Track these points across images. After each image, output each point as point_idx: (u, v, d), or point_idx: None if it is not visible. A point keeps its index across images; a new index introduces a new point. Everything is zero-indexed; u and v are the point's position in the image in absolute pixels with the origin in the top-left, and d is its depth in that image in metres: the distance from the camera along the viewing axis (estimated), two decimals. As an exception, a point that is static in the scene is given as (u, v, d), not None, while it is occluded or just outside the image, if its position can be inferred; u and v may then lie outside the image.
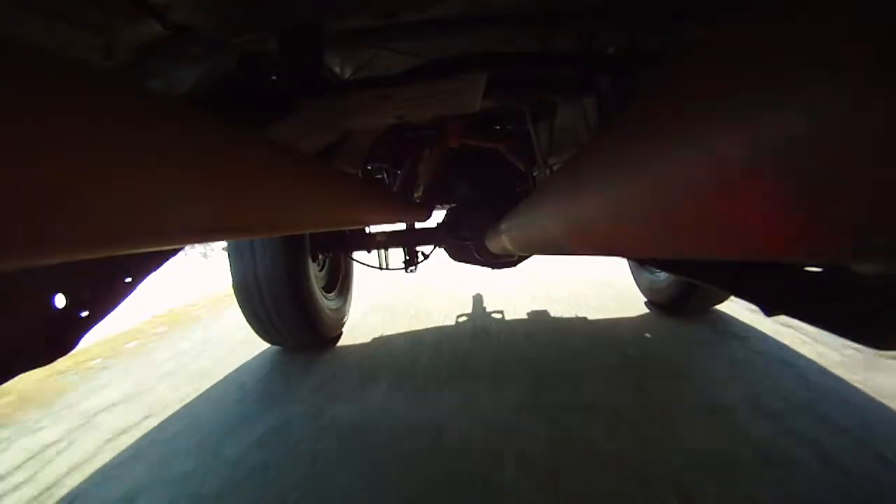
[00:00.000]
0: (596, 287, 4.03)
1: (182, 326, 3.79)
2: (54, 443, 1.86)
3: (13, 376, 0.49)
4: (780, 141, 0.23)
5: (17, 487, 1.56)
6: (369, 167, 2.90)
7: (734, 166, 0.27)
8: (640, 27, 1.20)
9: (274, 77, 1.08)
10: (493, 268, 2.91)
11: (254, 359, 2.81)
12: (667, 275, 2.97)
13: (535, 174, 2.59)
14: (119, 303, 0.64)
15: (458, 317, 3.30)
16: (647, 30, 1.20)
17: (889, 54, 0.17)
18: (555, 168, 2.23)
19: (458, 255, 2.86)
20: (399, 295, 4.19)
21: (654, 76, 1.20)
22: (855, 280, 0.87)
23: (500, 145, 2.61)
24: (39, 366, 0.52)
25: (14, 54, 0.28)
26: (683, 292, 2.86)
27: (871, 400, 1.73)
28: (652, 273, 3.18)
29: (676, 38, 1.19)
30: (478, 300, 3.74)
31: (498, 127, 2.73)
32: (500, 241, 1.74)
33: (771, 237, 0.28)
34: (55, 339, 0.53)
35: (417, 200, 2.77)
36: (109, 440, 1.86)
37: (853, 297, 0.86)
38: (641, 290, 3.40)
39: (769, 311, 0.99)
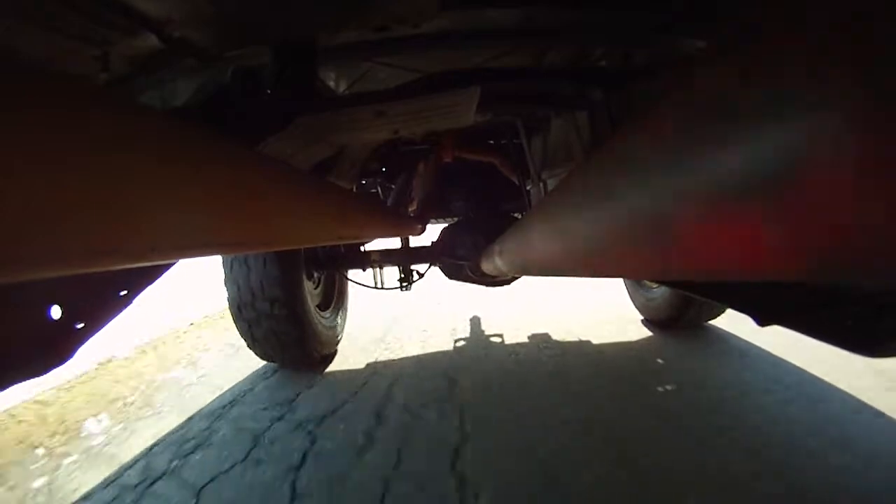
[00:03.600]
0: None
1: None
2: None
3: (10, 385, 0.49)
4: (777, 158, 0.23)
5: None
6: (364, 182, 2.90)
7: (730, 185, 0.27)
8: (633, 42, 1.22)
9: (269, 91, 1.08)
10: (487, 286, 2.92)
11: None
12: (661, 291, 2.99)
13: (529, 189, 2.61)
14: (115, 316, 0.64)
15: (457, 341, 3.25)
16: (641, 44, 1.22)
17: (888, 65, 0.17)
18: (548, 182, 2.24)
19: (454, 274, 2.87)
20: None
21: (647, 91, 1.21)
22: (845, 288, 0.88)
23: (495, 159, 2.63)
24: (36, 376, 0.51)
25: (13, 72, 0.28)
26: (679, 309, 2.89)
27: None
28: (647, 290, 3.20)
29: (669, 52, 1.21)
30: (475, 323, 3.69)
31: (492, 141, 2.74)
32: (495, 262, 1.74)
33: (772, 257, 0.27)
34: (51, 351, 0.52)
35: (412, 215, 2.78)
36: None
37: (844, 305, 0.87)
38: (637, 308, 3.42)
39: (762, 321, 0.99)
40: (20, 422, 2.31)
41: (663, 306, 2.99)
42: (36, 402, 2.50)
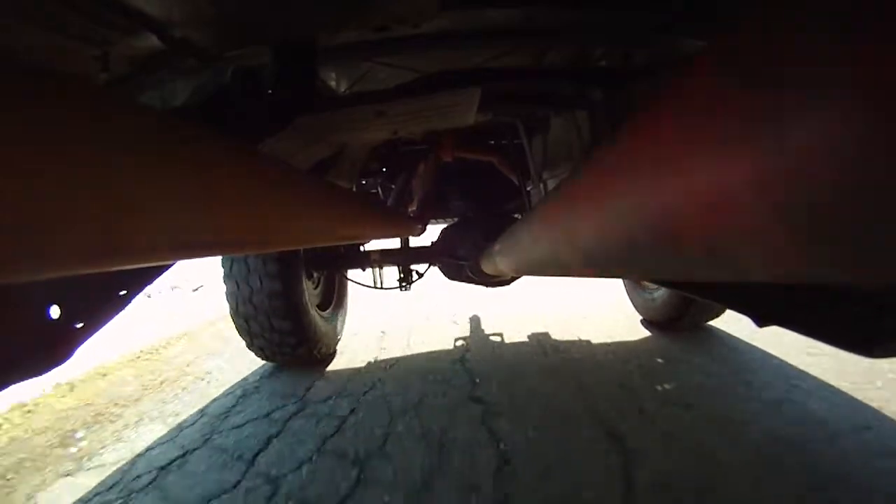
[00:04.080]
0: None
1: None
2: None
3: (9, 385, 0.49)
4: (777, 158, 0.23)
5: None
6: (364, 181, 2.90)
7: (730, 185, 0.27)
8: (633, 42, 1.22)
9: (269, 91, 1.08)
10: (487, 286, 2.91)
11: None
12: (661, 292, 2.99)
13: (529, 189, 2.60)
14: (114, 315, 0.63)
15: (456, 340, 3.25)
16: (641, 44, 1.21)
17: (888, 65, 0.17)
18: (548, 182, 2.24)
19: (453, 274, 2.86)
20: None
21: (647, 91, 1.21)
22: (845, 288, 0.87)
23: (494, 159, 2.62)
24: (35, 375, 0.51)
25: (13, 72, 0.28)
26: (678, 310, 2.88)
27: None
28: (646, 291, 3.19)
29: (669, 52, 1.21)
30: (475, 322, 3.69)
31: (492, 141, 2.74)
32: (495, 262, 1.74)
33: (772, 257, 0.27)
34: (50, 351, 0.52)
35: (412, 215, 2.78)
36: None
37: (844, 305, 0.86)
38: (636, 309, 3.41)
39: (762, 322, 0.99)
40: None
41: (663, 307, 2.99)
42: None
